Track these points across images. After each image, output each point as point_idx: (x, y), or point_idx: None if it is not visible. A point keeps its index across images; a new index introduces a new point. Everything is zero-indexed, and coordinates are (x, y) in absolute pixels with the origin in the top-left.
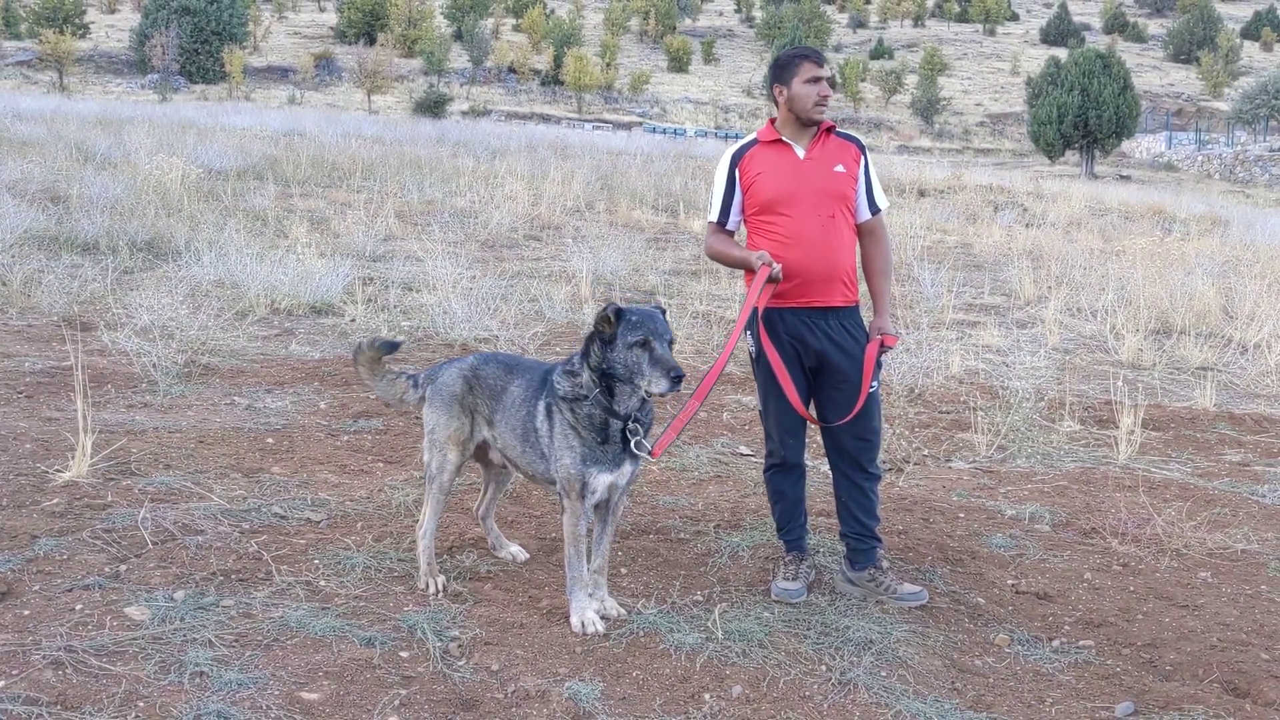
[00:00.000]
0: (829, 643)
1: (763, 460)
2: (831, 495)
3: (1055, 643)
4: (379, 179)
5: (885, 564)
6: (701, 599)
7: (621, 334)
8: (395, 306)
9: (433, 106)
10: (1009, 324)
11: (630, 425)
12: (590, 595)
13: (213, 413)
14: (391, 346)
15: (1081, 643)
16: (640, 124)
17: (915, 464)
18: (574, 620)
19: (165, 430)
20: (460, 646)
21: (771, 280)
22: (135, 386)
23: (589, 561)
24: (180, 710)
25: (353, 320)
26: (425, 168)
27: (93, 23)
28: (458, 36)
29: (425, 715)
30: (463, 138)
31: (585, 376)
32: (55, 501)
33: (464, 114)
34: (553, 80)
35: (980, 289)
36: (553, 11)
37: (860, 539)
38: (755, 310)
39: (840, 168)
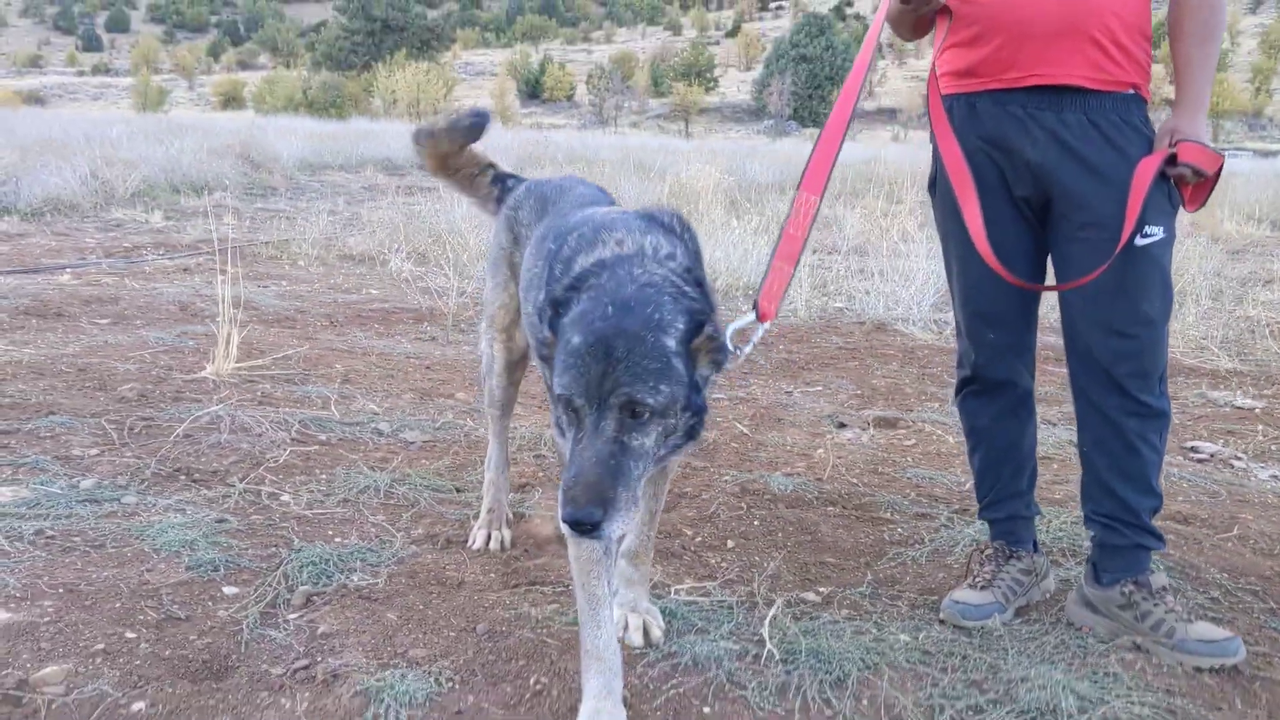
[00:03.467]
0: (960, 707)
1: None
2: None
3: None
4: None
5: (1162, 582)
6: (817, 598)
7: (556, 364)
8: (829, 287)
9: None
10: None
11: None
12: (615, 603)
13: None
14: (476, 122)
15: None
16: None
17: None
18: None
19: (400, 355)
20: (308, 605)
21: (919, 9)
22: (443, 325)
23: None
24: None
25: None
26: None
27: (722, 76)
28: None
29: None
30: None
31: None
32: (130, 386)
33: None
34: None
35: None
36: None
37: (1112, 526)
38: (936, 100)
39: None
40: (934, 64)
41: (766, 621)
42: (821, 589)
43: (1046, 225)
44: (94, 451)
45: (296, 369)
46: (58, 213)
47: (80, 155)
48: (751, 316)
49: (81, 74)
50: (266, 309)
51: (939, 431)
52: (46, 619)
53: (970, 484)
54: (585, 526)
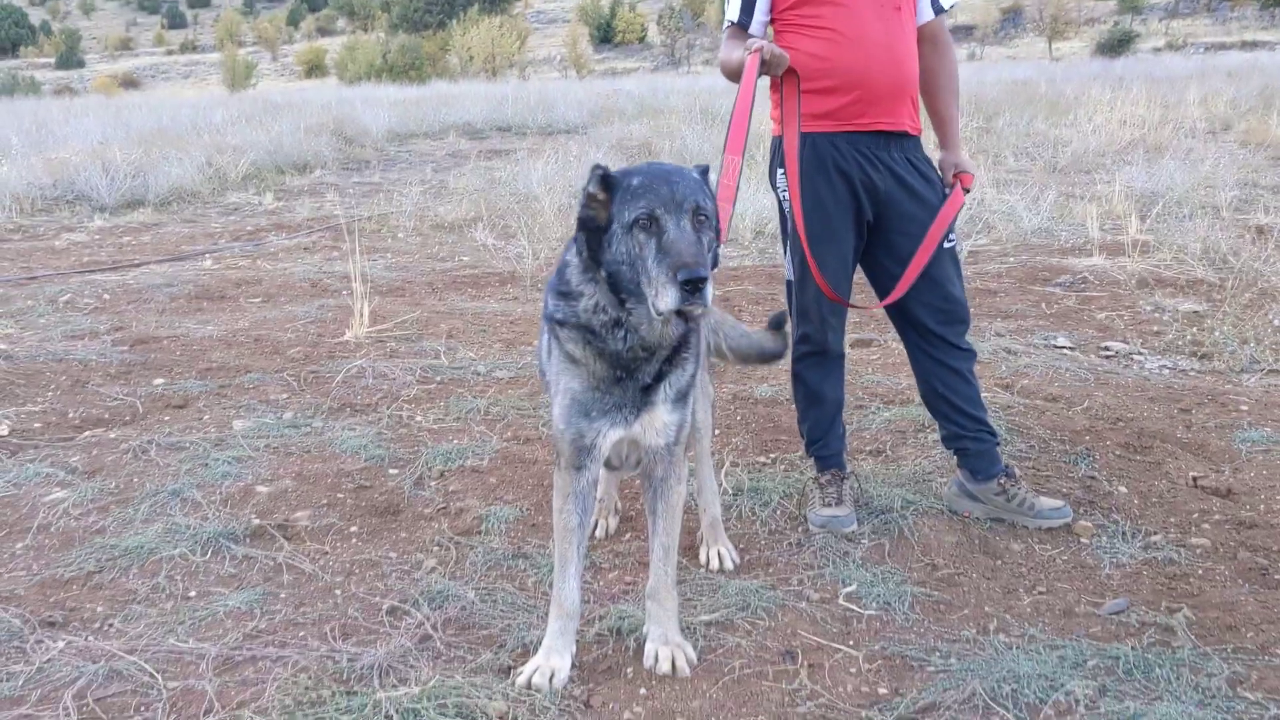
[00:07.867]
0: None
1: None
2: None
3: (1156, 537)
4: (985, 117)
5: (1016, 471)
6: (767, 460)
7: (616, 211)
8: None
9: (1115, 46)
10: None
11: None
12: (648, 637)
13: None
14: None
15: (1193, 541)
16: None
17: (1268, 371)
18: (526, 668)
19: (490, 314)
20: (441, 477)
21: (774, 71)
22: (522, 286)
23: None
24: (154, 484)
25: None
26: (1042, 103)
27: None
28: None
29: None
30: (1128, 72)
31: (583, 287)
32: (296, 350)
33: (1156, 50)
34: (1274, 2)
35: None
36: None
37: (978, 436)
38: (793, 139)
39: None
40: (783, 108)
41: (723, 472)
42: (771, 454)
43: (873, 237)
44: (284, 396)
45: (412, 330)
46: (182, 201)
47: (193, 145)
48: None
49: (170, 53)
50: (380, 280)
51: (900, 348)
52: (290, 489)
53: (906, 384)
54: (701, 278)
